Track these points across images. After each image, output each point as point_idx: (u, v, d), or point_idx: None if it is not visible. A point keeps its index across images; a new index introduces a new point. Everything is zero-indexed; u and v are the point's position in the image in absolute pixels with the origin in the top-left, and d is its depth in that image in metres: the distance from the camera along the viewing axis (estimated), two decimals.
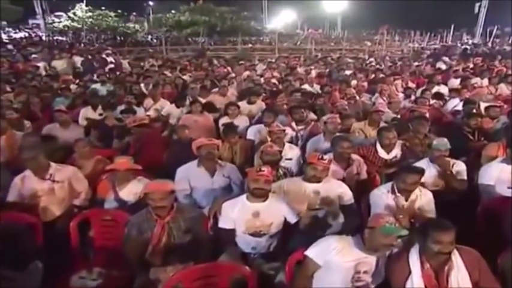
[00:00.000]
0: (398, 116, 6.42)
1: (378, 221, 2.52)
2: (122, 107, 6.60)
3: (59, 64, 12.99)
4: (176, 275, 2.68)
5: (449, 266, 2.45)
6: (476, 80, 9.69)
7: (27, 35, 32.18)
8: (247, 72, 11.38)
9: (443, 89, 8.61)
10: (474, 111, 6.03)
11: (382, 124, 5.47)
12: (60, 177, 3.87)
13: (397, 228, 2.49)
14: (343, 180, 3.94)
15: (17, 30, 34.88)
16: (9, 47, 20.20)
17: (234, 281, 2.71)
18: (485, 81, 9.66)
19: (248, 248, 3.22)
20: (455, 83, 9.40)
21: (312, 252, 2.63)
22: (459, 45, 24.68)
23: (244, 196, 3.26)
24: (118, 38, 29.77)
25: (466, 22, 32.76)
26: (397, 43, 27.23)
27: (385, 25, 25.61)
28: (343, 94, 7.72)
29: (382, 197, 3.42)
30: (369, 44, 25.57)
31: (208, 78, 10.10)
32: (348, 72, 11.26)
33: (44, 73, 11.63)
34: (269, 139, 4.74)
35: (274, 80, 9.97)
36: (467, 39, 30.75)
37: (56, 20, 32.43)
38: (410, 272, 2.48)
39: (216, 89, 8.25)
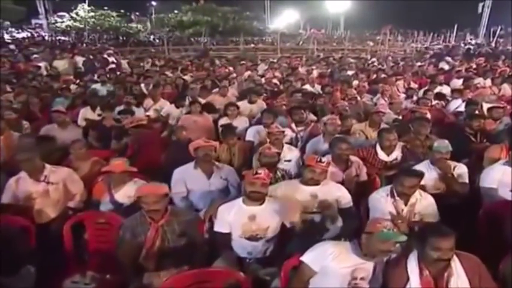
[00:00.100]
0: (400, 117, 6.35)
1: (376, 226, 2.45)
2: (120, 108, 6.56)
3: (60, 64, 12.95)
4: (169, 280, 2.62)
5: (449, 273, 2.38)
6: (479, 81, 9.61)
7: (29, 35, 32.22)
8: (248, 73, 11.33)
9: (446, 90, 8.53)
10: (477, 112, 5.96)
11: (383, 125, 5.41)
12: (55, 179, 3.83)
13: (395, 234, 2.43)
14: (342, 182, 3.89)
15: (20, 30, 34.94)
16: (11, 47, 20.20)
17: (228, 286, 2.65)
18: (488, 82, 9.56)
19: (244, 253, 3.16)
20: (457, 83, 9.34)
21: (307, 257, 2.57)
22: (462, 45, 24.52)
23: (240, 199, 3.21)
24: (120, 38, 29.80)
25: (469, 22, 32.59)
26: (399, 43, 27.09)
27: (388, 25, 25.43)
28: (344, 95, 7.66)
29: (381, 200, 3.35)
30: (371, 44, 25.44)
31: (209, 78, 10.06)
32: (349, 73, 11.20)
33: (45, 73, 11.60)
34: (268, 140, 4.69)
35: (275, 80, 9.92)
36: (471, 39, 30.58)
37: (59, 20, 32.47)
38: (408, 279, 2.42)
39: (217, 89, 8.20)
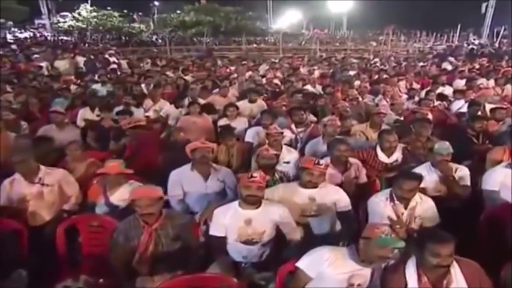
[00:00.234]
0: (401, 118, 6.28)
1: (373, 232, 2.39)
2: (119, 108, 6.51)
3: (62, 64, 12.95)
4: (162, 285, 2.56)
5: (448, 280, 2.32)
6: (482, 81, 9.52)
7: (32, 35, 32.31)
8: (249, 73, 11.28)
9: (448, 90, 8.44)
10: (479, 113, 5.88)
11: (384, 126, 5.34)
12: (49, 181, 3.77)
13: (393, 240, 2.36)
14: (341, 184, 3.83)
15: (22, 30, 35.05)
16: (13, 47, 20.23)
17: None
18: (492, 82, 9.48)
19: (239, 257, 3.10)
20: (460, 83, 9.25)
21: (303, 263, 2.51)
22: (465, 45, 24.39)
23: (236, 202, 3.14)
24: (123, 38, 29.84)
25: (472, 22, 32.43)
26: (402, 43, 27.01)
27: (390, 25, 25.35)
28: (345, 95, 7.59)
29: (380, 204, 3.27)
30: (374, 44, 25.39)
31: (209, 78, 10.00)
32: (351, 73, 11.12)
33: (46, 73, 11.58)
34: (267, 142, 4.62)
35: (276, 81, 9.87)
36: (474, 39, 30.42)
37: (61, 20, 32.59)
38: (406, 286, 2.35)
39: (217, 90, 8.15)
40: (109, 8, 32.29)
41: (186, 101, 7.00)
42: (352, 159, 4.14)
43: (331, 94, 7.64)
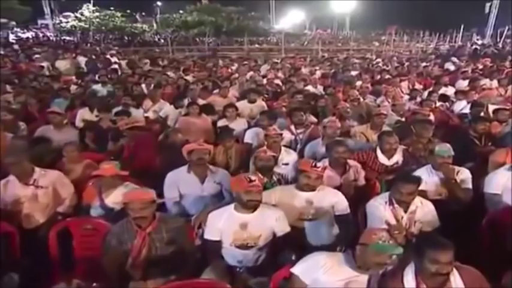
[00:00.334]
0: (403, 119, 6.20)
1: (370, 238, 2.32)
2: (118, 109, 6.46)
3: (63, 64, 12.94)
4: None
5: None
6: (485, 82, 9.40)
7: (34, 35, 32.38)
8: (250, 73, 11.21)
9: (450, 91, 8.35)
10: (482, 114, 5.79)
11: (385, 127, 5.26)
12: (44, 183, 3.73)
13: (391, 246, 2.30)
14: (340, 187, 3.76)
15: (25, 31, 35.13)
16: (15, 47, 20.24)
17: None
18: (495, 83, 9.37)
19: (234, 261, 3.03)
20: (463, 84, 9.15)
21: (298, 269, 2.44)
22: (469, 45, 24.23)
23: (232, 206, 3.06)
24: (125, 38, 29.86)
25: (476, 22, 32.20)
26: (405, 43, 26.87)
27: (393, 25, 25.27)
28: (346, 96, 7.51)
29: (380, 208, 3.19)
30: (376, 44, 25.28)
31: (210, 79, 9.94)
32: (353, 73, 11.04)
33: (47, 73, 11.56)
34: (265, 143, 4.56)
35: (277, 81, 9.79)
36: (477, 39, 30.23)
37: (64, 20, 32.63)
38: None
39: (217, 90, 8.09)
40: (112, 8, 32.33)
41: (186, 102, 6.94)
42: (351, 161, 4.08)
43: (332, 95, 7.57)
